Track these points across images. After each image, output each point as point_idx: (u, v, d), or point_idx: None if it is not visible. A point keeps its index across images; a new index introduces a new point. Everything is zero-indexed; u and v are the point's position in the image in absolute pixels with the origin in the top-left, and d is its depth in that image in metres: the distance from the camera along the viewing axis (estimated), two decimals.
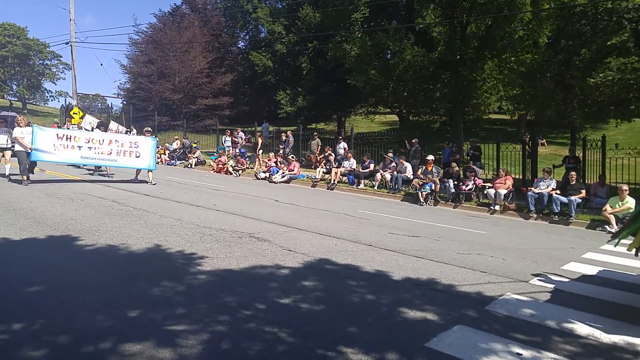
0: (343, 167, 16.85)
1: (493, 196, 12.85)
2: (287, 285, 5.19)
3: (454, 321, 4.38)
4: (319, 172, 17.28)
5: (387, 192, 15.04)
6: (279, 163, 18.14)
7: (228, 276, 5.41)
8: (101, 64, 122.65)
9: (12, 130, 13.21)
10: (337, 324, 4.23)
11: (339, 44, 23.53)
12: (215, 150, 23.25)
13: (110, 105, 44.91)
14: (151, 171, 13.72)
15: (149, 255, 6.16)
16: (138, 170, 13.85)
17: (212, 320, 4.08)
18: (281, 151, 20.31)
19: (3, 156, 12.69)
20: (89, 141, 12.75)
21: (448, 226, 10.02)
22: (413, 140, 17.74)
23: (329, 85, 28.96)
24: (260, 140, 21.48)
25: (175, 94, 34.08)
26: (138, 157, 13.35)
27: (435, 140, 22.99)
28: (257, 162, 20.29)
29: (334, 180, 16.22)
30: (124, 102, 40.87)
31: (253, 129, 24.87)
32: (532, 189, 12.50)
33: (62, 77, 66.27)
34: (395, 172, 15.41)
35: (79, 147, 12.55)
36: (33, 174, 11.90)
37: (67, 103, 35.72)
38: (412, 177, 14.93)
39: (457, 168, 14.52)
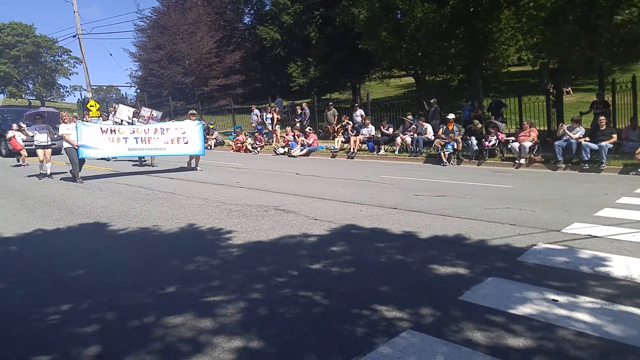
0: (362, 134, 16.72)
1: (518, 150, 12.61)
2: (316, 252, 5.26)
3: (486, 274, 4.39)
4: (337, 142, 17.20)
5: (409, 156, 14.91)
6: (296, 137, 18.11)
7: (258, 248, 5.51)
8: (110, 54, 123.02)
9: (52, 127, 13.00)
10: (368, 284, 4.28)
11: (347, 8, 22.94)
12: (232, 130, 23.33)
13: (124, 95, 45.33)
14: (198, 157, 13.33)
15: (180, 234, 6.30)
16: (191, 157, 13.38)
17: (248, 289, 4.18)
18: (297, 124, 20.24)
19: (44, 155, 12.23)
20: (134, 132, 12.35)
21: (473, 183, 9.92)
22: (431, 101, 17.41)
23: (340, 52, 28.43)
24: (276, 116, 21.42)
25: (187, 77, 34.08)
26: (186, 143, 12.81)
27: (454, 98, 22.50)
28: (274, 138, 20.31)
29: (354, 149, 16.14)
30: (138, 90, 41.14)
31: (267, 105, 24.80)
32: (565, 128, 12.13)
33: (74, 71, 67.29)
34: (415, 135, 15.22)
35: (125, 139, 12.09)
36: (80, 170, 11.53)
37: (83, 97, 36.20)
38: (433, 138, 14.73)
39: (479, 125, 14.23)
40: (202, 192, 9.37)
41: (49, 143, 12.31)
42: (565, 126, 12.38)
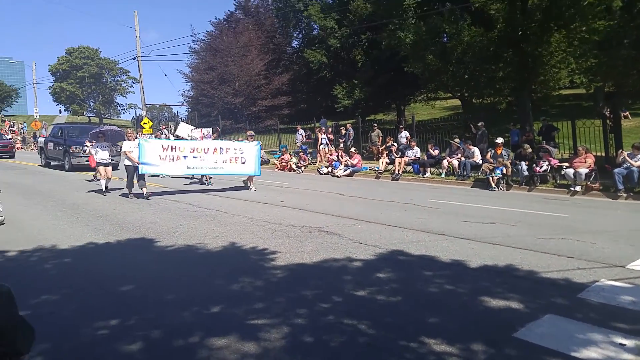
0: (407, 156, 16.50)
1: (572, 176, 12.01)
2: (361, 278, 5.14)
3: (542, 310, 4.13)
4: (382, 163, 17.05)
5: (456, 179, 14.55)
6: (340, 157, 18.12)
7: (302, 270, 5.46)
8: (165, 75, 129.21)
9: (113, 145, 13.37)
10: (416, 314, 4.13)
11: (393, 32, 23.06)
12: (277, 149, 23.66)
13: (176, 114, 47.07)
14: (252, 177, 13.07)
15: (225, 252, 6.35)
16: (250, 178, 13.07)
17: (291, 313, 4.12)
18: (342, 145, 20.27)
19: (105, 171, 12.30)
20: (193, 150, 12.27)
21: (524, 211, 9.50)
22: (479, 124, 17.01)
23: (385, 74, 28.53)
24: (320, 136, 21.58)
25: (236, 97, 35.11)
26: (244, 163, 12.66)
27: (502, 121, 21.92)
28: (318, 158, 20.41)
29: (399, 171, 15.93)
30: (189, 109, 42.65)
31: (312, 125, 25.05)
32: (625, 155, 11.44)
33: (131, 90, 71.43)
34: (462, 158, 14.86)
35: (184, 157, 12.09)
36: (146, 187, 11.57)
37: (138, 114, 37.82)
38: (480, 162, 14.33)
39: (529, 149, 13.72)
40: (247, 211, 9.47)
41: (110, 161, 12.61)
42: (625, 153, 11.70)
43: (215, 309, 4.28)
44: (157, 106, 68.67)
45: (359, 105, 30.51)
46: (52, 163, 20.74)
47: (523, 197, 11.95)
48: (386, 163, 17.07)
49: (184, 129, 17.69)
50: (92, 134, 14.17)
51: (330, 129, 22.88)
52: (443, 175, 15.12)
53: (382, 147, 18.80)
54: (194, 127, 18.25)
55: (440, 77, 22.77)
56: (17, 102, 79.69)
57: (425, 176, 15.49)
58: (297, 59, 39.28)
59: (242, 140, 14.28)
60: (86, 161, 16.02)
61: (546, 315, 3.99)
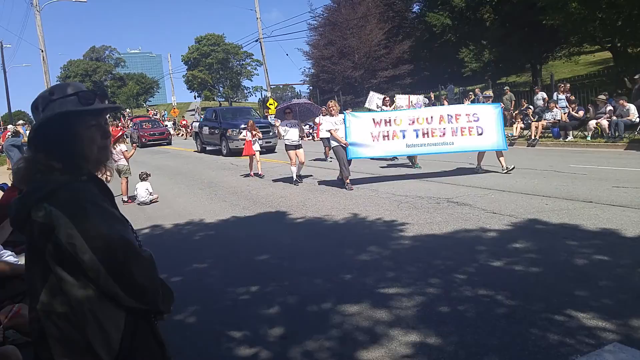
0: (545, 119, 14.97)
1: None
2: (496, 248, 4.86)
3: None
4: (516, 129, 15.72)
5: (605, 142, 12.79)
6: None
7: (432, 241, 5.34)
8: (287, 54, 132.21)
9: (302, 124, 11.39)
10: (561, 286, 3.79)
11: None
12: None
13: (299, 92, 48.67)
14: (502, 152, 9.61)
15: (352, 224, 6.48)
16: (480, 155, 9.90)
17: (423, 283, 4.07)
18: None
19: (297, 155, 10.26)
20: (413, 122, 9.40)
21: None
22: (636, 77, 14.59)
23: (518, 32, 25.91)
24: (445, 104, 20.59)
25: (356, 71, 35.08)
26: (481, 134, 9.34)
27: None
28: None
29: (535, 136, 14.55)
30: (310, 87, 43.83)
31: (437, 93, 24.01)
32: None
33: (255, 73, 75.98)
34: (614, 117, 12.98)
35: (402, 131, 9.35)
36: (349, 174, 9.39)
37: (263, 96, 39.75)
38: (638, 120, 12.37)
39: None
40: (372, 184, 9.49)
41: (299, 142, 10.43)
42: None
43: (346, 277, 4.41)
44: (281, 86, 71.79)
45: (488, 68, 28.38)
46: (208, 148, 19.59)
47: None
48: (521, 128, 15.71)
49: (373, 99, 14.62)
50: (278, 110, 11.73)
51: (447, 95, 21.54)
52: (589, 138, 13.41)
53: (516, 112, 17.31)
54: (384, 96, 14.37)
55: (586, 26, 19.91)
56: (158, 92, 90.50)
57: (567, 140, 13.90)
58: (418, 24, 37.65)
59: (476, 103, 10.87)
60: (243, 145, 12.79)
61: None
